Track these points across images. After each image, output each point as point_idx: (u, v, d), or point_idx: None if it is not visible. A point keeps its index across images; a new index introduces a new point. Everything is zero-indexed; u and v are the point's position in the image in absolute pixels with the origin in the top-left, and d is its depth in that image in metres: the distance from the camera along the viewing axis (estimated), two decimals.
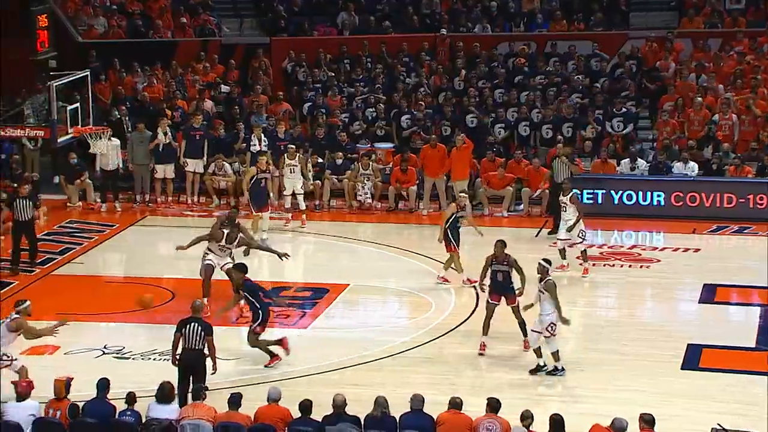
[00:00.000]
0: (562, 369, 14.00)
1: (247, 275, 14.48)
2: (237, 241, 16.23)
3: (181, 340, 12.89)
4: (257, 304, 14.25)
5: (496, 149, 21.85)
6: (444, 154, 21.18)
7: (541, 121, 22.70)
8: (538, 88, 23.62)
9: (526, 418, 11.26)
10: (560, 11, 25.70)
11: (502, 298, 14.82)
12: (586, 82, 23.80)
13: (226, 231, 16.20)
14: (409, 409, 11.42)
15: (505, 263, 14.82)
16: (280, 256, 16.36)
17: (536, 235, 19.92)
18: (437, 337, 15.41)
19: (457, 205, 17.26)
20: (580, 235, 17.55)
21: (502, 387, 13.57)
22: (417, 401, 11.44)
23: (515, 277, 14.83)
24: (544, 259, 14.30)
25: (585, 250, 17.79)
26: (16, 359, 13.26)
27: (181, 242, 16.98)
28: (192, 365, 12.76)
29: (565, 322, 14.11)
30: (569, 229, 17.56)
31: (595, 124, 22.45)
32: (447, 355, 14.86)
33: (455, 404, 11.45)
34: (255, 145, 21.35)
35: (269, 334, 14.64)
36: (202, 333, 12.79)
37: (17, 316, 13.34)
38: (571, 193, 17.74)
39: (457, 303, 16.68)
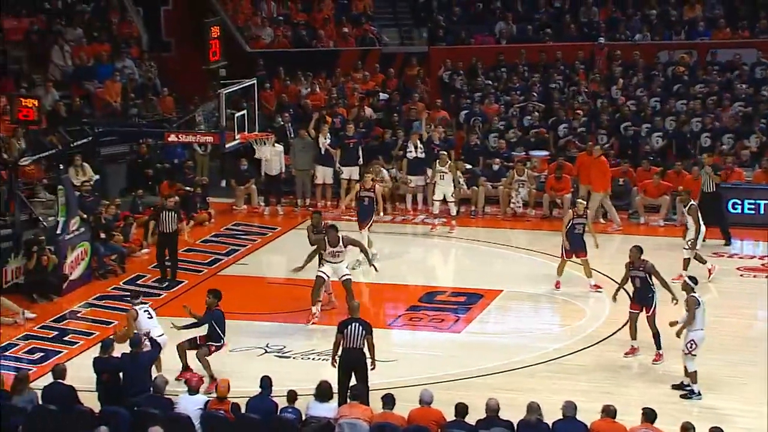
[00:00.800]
0: (699, 393, 13.70)
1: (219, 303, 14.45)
2: (341, 240, 16.14)
3: (342, 340, 13.25)
4: (220, 332, 14.30)
5: (652, 158, 21.65)
6: None
7: (701, 130, 22.37)
8: (698, 96, 23.27)
9: (687, 429, 11.12)
10: (724, 19, 25.24)
11: (644, 307, 14.79)
12: (749, 91, 23.30)
13: (326, 237, 16.19)
14: (561, 416, 11.48)
15: (641, 269, 14.77)
16: (372, 265, 16.55)
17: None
18: (591, 345, 15.42)
19: (574, 212, 17.25)
20: (689, 243, 17.41)
21: (658, 397, 13.46)
22: (570, 408, 11.47)
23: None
24: (689, 277, 14.15)
25: (688, 259, 17.52)
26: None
27: None
28: (354, 364, 13.12)
29: (679, 334, 13.84)
30: (689, 241, 17.46)
31: (761, 134, 22.00)
32: (600, 364, 14.85)
33: (609, 412, 11.43)
34: (411, 151, 21.74)
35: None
36: (363, 332, 13.12)
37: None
38: (689, 205, 17.55)
39: (611, 311, 16.56)
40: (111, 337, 13.70)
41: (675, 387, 13.95)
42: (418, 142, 21.70)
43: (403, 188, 22.02)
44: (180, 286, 18.03)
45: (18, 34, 23.80)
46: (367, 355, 13.18)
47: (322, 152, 22.07)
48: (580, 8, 26.51)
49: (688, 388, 13.81)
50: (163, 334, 14.06)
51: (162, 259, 18.11)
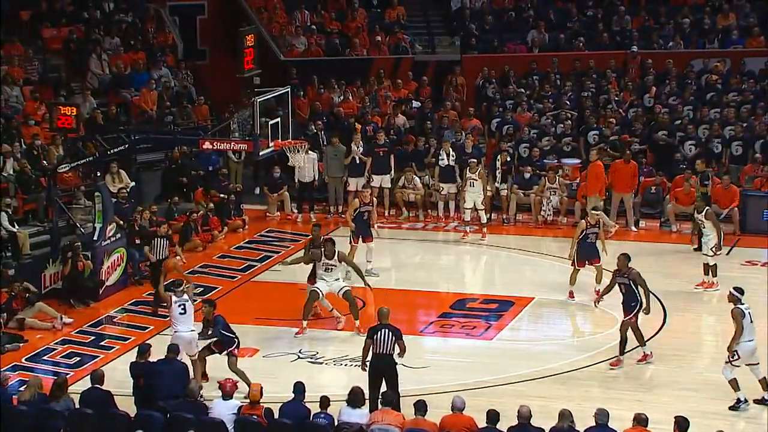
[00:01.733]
0: (745, 401, 13.65)
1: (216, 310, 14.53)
2: (336, 255, 16.15)
3: (371, 346, 13.32)
4: (231, 334, 14.38)
5: (684, 166, 21.59)
6: (635, 171, 21.14)
7: (732, 138, 22.32)
8: (731, 105, 23.22)
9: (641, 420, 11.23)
10: (758, 27, 25.18)
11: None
12: None
13: (322, 248, 16.21)
14: (593, 424, 11.46)
15: (626, 276, 14.84)
16: (366, 284, 16.49)
17: (727, 254, 19.66)
18: (623, 353, 15.30)
19: (587, 222, 17.33)
20: (712, 249, 17.47)
21: (691, 407, 13.43)
22: (602, 416, 11.48)
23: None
24: (735, 288, 14.01)
25: (715, 265, 17.61)
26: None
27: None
28: (383, 370, 13.19)
29: (731, 349, 13.67)
30: (713, 248, 17.51)
31: None
32: (633, 372, 14.84)
33: (640, 421, 11.43)
34: (443, 159, 21.81)
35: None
36: (393, 338, 13.18)
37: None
38: (705, 210, 17.60)
39: (644, 319, 16.54)
40: (147, 341, 13.90)
41: (756, 402, 13.73)
42: (450, 150, 21.79)
43: (435, 195, 22.12)
44: (215, 291, 18.16)
45: (57, 43, 24.15)
46: (398, 360, 13.24)
47: (357, 161, 22.16)
48: (612, 17, 26.54)
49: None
50: (192, 330, 14.19)
51: (157, 285, 17.60)
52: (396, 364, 13.24)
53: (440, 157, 21.82)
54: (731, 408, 13.64)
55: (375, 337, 13.26)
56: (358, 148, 22.19)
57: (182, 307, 14.36)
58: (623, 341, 14.90)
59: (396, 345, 13.20)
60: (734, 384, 13.67)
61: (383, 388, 13.08)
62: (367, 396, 12.57)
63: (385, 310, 13.77)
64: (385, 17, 27.60)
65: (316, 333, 16.44)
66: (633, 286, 14.82)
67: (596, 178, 20.62)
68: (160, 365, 12.97)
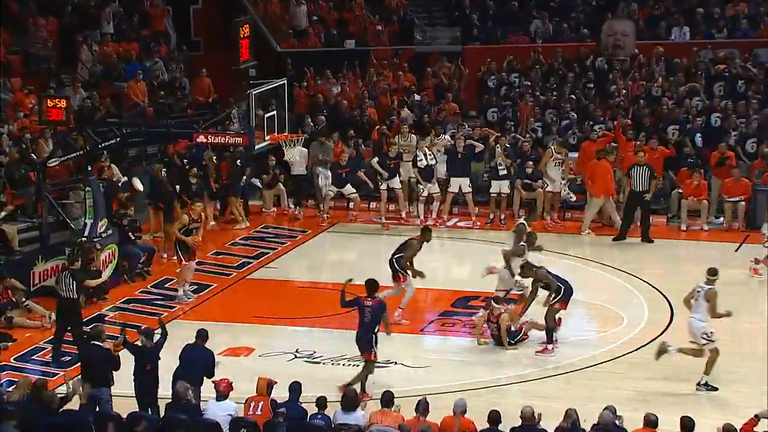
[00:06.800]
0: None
1: None
2: None
3: None
4: None
5: (692, 160, 21.11)
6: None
7: (746, 135, 21.78)
8: (742, 97, 22.70)
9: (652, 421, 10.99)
10: None
11: None
12: None
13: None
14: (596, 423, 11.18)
15: None
16: None
17: (736, 250, 19.28)
18: (629, 352, 15.15)
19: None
20: None
21: (700, 406, 13.30)
22: (609, 415, 11.15)
23: None
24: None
25: None
26: None
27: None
28: None
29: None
30: None
31: None
32: (639, 371, 14.53)
33: (650, 422, 11.19)
34: (422, 160, 21.18)
35: None
36: None
37: None
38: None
39: (649, 318, 16.36)
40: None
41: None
42: (427, 150, 21.14)
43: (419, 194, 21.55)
44: (209, 289, 17.77)
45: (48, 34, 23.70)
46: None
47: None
48: (619, 5, 26.04)
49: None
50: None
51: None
52: None
53: (418, 158, 21.19)
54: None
55: None
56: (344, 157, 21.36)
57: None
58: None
59: None
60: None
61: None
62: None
63: None
64: (385, 6, 27.12)
65: (313, 331, 16.16)
66: None
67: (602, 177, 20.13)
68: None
